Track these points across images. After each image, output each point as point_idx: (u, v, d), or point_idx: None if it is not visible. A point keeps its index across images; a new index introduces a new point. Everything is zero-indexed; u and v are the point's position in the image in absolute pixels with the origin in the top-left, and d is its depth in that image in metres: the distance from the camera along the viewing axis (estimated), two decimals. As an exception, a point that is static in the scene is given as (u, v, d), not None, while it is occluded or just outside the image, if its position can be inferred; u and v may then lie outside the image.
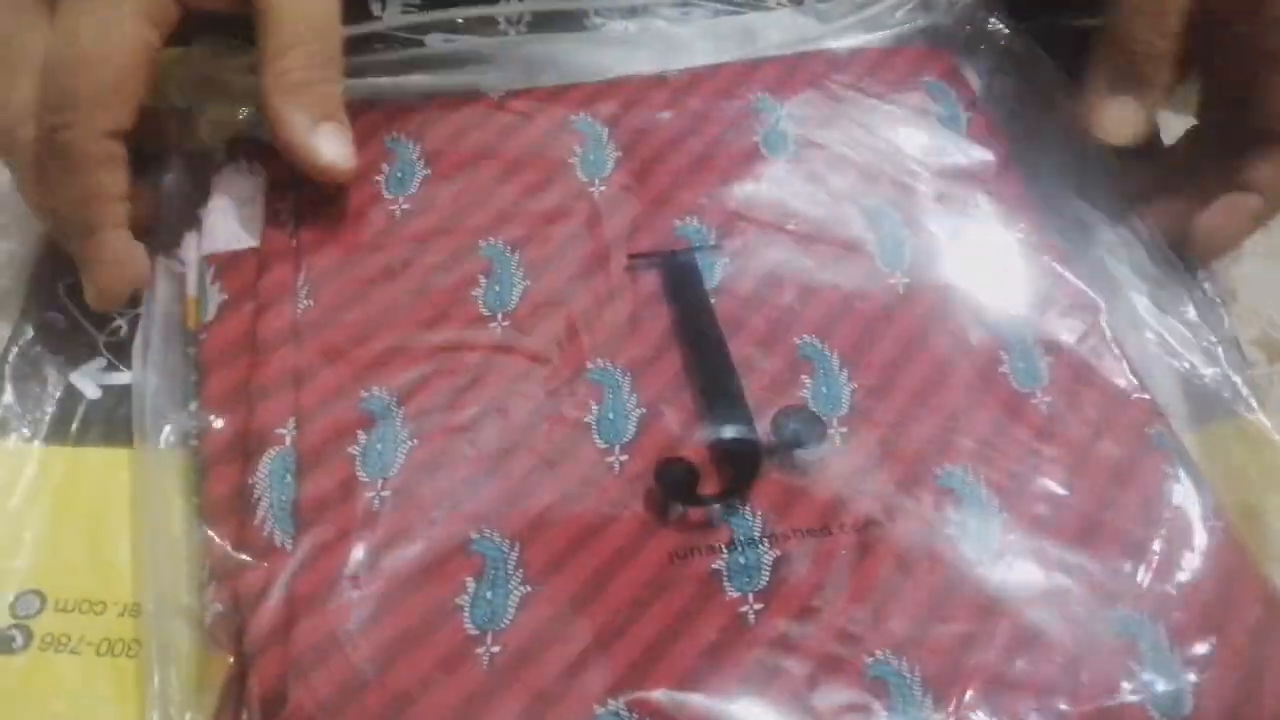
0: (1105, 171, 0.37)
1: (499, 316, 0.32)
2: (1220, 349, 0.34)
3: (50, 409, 0.32)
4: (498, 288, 0.33)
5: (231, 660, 0.26)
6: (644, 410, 0.31)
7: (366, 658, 0.26)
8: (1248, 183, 0.35)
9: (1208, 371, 0.34)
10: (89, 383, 0.33)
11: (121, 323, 0.34)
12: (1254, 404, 0.33)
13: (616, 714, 0.25)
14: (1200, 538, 0.30)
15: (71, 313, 0.34)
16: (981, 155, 0.37)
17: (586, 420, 0.30)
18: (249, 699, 0.26)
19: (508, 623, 0.27)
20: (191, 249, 0.34)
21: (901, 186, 0.36)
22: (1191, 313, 0.35)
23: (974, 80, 0.40)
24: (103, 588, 0.29)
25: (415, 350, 0.31)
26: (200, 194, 0.35)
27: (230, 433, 0.30)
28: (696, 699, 0.26)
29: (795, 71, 0.39)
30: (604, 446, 0.30)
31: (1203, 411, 0.33)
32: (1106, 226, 0.36)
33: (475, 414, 0.30)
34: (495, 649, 0.26)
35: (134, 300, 0.33)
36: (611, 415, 0.31)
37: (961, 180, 0.37)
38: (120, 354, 0.33)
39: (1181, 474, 0.31)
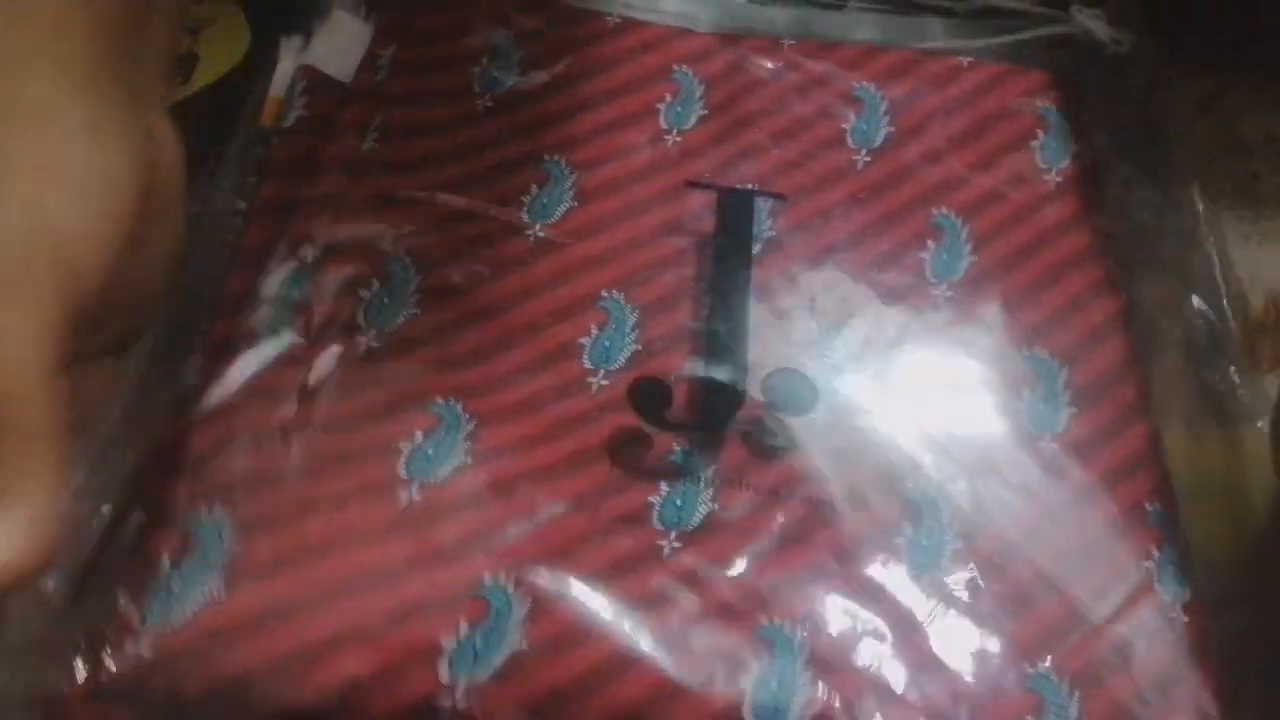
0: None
1: (537, 227, 0.33)
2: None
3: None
4: (545, 200, 0.34)
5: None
6: (640, 347, 0.31)
7: (298, 461, 0.28)
8: None
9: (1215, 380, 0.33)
10: None
11: None
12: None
13: (503, 589, 0.27)
14: (1154, 626, 0.28)
15: None
16: (1073, 193, 0.36)
17: (581, 341, 0.31)
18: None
19: (436, 479, 0.28)
20: (290, 52, 0.36)
21: (978, 204, 0.35)
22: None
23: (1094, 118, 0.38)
24: None
25: (453, 234, 0.33)
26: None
27: (264, 239, 0.32)
28: (579, 593, 0.27)
29: (911, 68, 0.38)
30: (589, 367, 0.31)
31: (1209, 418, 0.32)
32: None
33: (482, 307, 0.32)
34: (417, 497, 0.28)
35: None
36: (607, 343, 0.32)
37: (1043, 213, 0.35)
38: None
39: (1162, 557, 0.29)
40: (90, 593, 0.26)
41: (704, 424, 0.30)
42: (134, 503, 0.27)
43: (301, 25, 0.37)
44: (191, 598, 0.26)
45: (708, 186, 0.34)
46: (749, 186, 0.34)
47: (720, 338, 0.31)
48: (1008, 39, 0.39)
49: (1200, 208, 0.36)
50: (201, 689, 0.25)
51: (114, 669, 0.25)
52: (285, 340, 0.30)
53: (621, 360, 0.31)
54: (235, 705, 0.25)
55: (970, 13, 0.39)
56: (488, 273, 0.32)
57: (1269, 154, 0.40)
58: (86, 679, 0.25)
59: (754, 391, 0.30)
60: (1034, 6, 0.39)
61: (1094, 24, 0.38)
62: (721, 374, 0.30)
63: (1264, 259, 0.37)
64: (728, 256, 0.33)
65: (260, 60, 0.38)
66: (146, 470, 0.28)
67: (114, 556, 0.27)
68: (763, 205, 0.34)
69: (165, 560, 0.26)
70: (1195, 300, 0.34)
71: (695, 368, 0.31)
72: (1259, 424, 0.32)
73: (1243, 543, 0.31)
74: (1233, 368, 0.33)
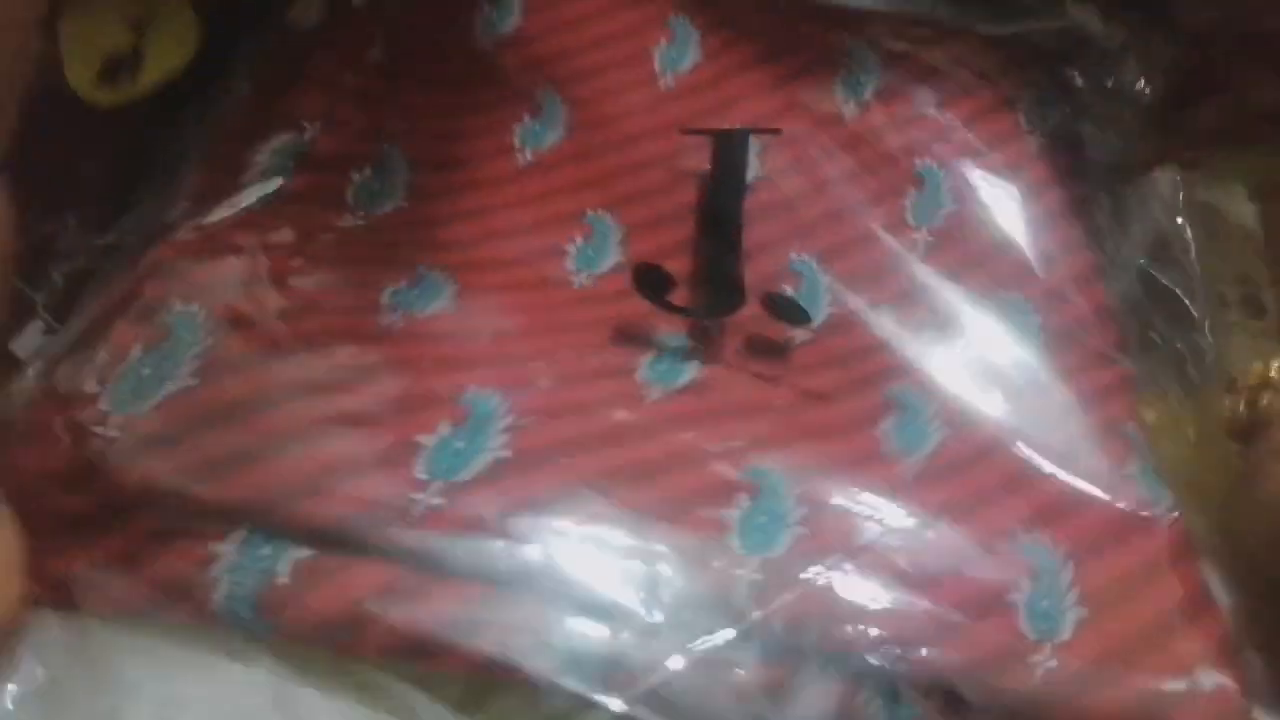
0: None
1: (527, 151, 0.34)
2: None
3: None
4: (537, 128, 0.35)
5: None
6: (624, 259, 0.32)
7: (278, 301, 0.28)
8: None
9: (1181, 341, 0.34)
10: (29, 347, 0.30)
11: (58, 277, 0.32)
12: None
13: (486, 398, 0.26)
14: (1140, 523, 0.28)
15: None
16: (1052, 156, 0.37)
17: (565, 247, 0.32)
18: None
19: (421, 313, 0.29)
20: None
21: (962, 156, 0.36)
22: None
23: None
24: None
25: (443, 138, 0.34)
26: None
27: (264, 112, 0.33)
28: (565, 415, 0.27)
29: (903, 30, 0.39)
30: (572, 269, 0.32)
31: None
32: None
33: (472, 206, 0.33)
34: (400, 323, 0.28)
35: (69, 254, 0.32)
36: (592, 253, 0.32)
37: (1023, 171, 0.36)
38: (61, 314, 0.31)
39: (1142, 470, 0.29)
40: (59, 379, 0.26)
41: (706, 311, 0.30)
42: (111, 309, 0.27)
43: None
44: (163, 384, 0.25)
45: (703, 132, 0.35)
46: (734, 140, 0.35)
47: (715, 261, 0.32)
48: (1002, 30, 0.39)
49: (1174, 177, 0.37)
50: (171, 473, 0.24)
51: (82, 451, 0.24)
52: (276, 187, 0.30)
53: (606, 266, 0.32)
54: (206, 490, 0.24)
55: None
56: (475, 183, 0.33)
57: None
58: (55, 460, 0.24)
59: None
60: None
61: (1087, 18, 0.39)
62: (719, 286, 0.31)
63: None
64: (721, 189, 0.33)
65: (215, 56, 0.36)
66: (120, 280, 0.28)
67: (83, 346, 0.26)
68: (755, 146, 0.35)
69: (137, 348, 0.26)
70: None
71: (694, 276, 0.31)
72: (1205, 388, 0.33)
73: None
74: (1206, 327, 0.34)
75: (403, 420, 0.26)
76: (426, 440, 0.25)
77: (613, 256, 0.32)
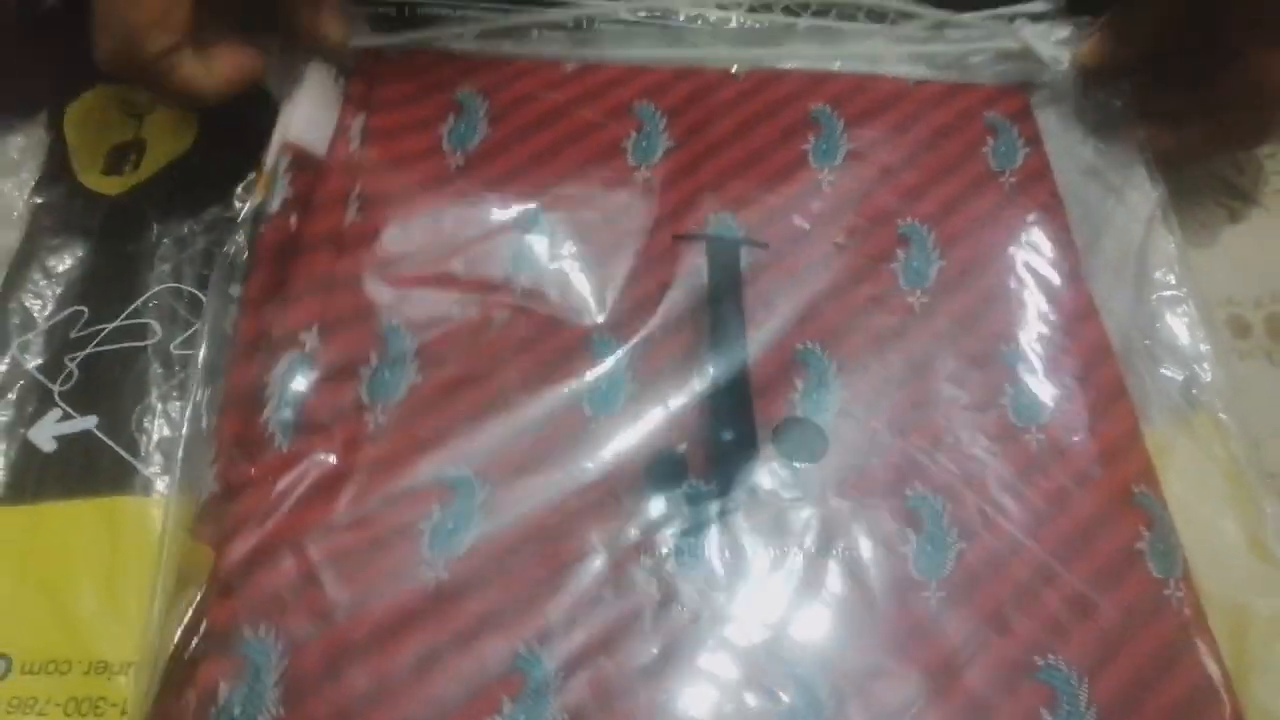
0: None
1: (522, 277, 0.34)
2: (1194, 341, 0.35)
3: (1, 469, 0.31)
4: (527, 250, 0.34)
5: (215, 559, 0.28)
6: (638, 385, 0.32)
7: (329, 561, 0.28)
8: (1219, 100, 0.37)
9: (1177, 369, 0.35)
10: (44, 437, 0.32)
11: (73, 368, 0.33)
12: (1213, 401, 0.34)
13: (537, 658, 0.27)
14: (1153, 607, 0.30)
15: (23, 364, 0.33)
16: (1028, 192, 0.38)
17: (580, 389, 0.32)
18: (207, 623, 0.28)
19: (459, 553, 0.29)
20: (279, 129, 0.36)
21: (943, 210, 0.37)
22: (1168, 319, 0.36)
23: (1048, 125, 0.40)
24: (68, 646, 0.29)
25: (440, 293, 0.33)
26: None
27: (261, 329, 0.32)
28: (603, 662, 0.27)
29: (862, 90, 0.39)
30: (590, 414, 0.32)
31: (1171, 411, 0.34)
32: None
33: (481, 366, 0.32)
34: (444, 575, 0.28)
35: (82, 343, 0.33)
36: (605, 387, 0.32)
37: (1004, 214, 0.37)
38: (76, 402, 0.32)
39: (1153, 538, 0.31)
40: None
41: (720, 484, 0.30)
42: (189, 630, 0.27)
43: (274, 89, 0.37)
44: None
45: (694, 238, 0.35)
46: (735, 235, 0.35)
47: (725, 392, 0.32)
48: (952, 50, 0.40)
49: (1154, 197, 0.37)
50: None
51: None
52: (297, 441, 0.30)
53: (620, 404, 0.32)
54: None
55: (917, 28, 0.40)
56: (480, 326, 0.33)
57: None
58: None
59: (765, 444, 0.31)
60: (980, 20, 0.40)
61: (1036, 40, 0.39)
62: (732, 432, 0.31)
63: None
64: (722, 301, 0.33)
65: (214, 141, 0.38)
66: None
67: (175, 683, 0.27)
68: (742, 230, 0.35)
69: (223, 687, 0.26)
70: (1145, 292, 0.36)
71: (709, 429, 0.31)
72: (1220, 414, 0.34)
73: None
74: (1199, 357, 0.35)
75: (469, 705, 0.27)
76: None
77: (627, 389, 0.32)
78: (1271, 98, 0.36)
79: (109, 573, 0.30)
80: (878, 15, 0.40)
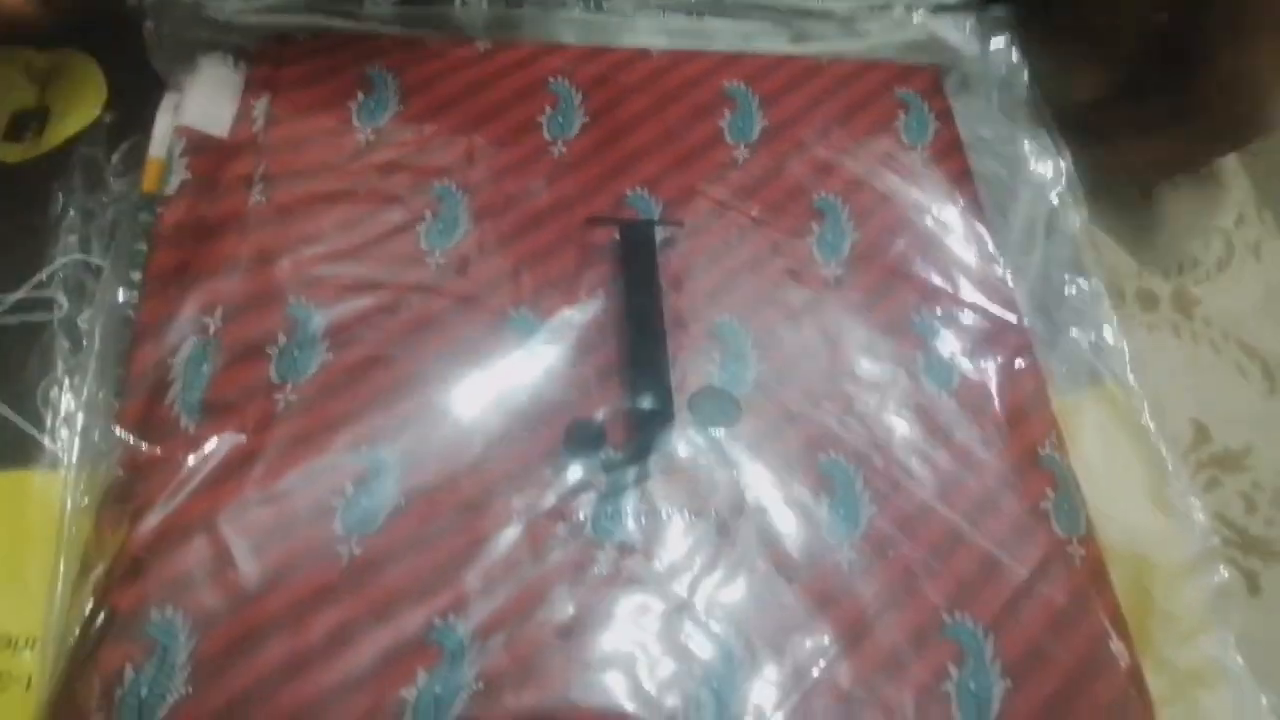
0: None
1: (436, 254, 0.34)
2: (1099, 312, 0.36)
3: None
4: (441, 226, 0.34)
5: (122, 539, 0.28)
6: (554, 359, 0.32)
7: (240, 543, 0.28)
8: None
9: (1084, 337, 0.35)
10: None
11: None
12: (1120, 368, 0.35)
13: (452, 629, 0.27)
14: (1057, 565, 0.31)
15: None
16: (939, 166, 0.38)
17: (495, 364, 0.32)
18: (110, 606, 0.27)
19: (373, 530, 0.28)
20: (166, 113, 0.35)
21: (854, 184, 0.37)
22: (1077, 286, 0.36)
23: (957, 104, 0.40)
24: (15, 622, 0.28)
25: (351, 272, 0.33)
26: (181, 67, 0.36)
27: (164, 312, 0.31)
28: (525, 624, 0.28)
29: (776, 69, 0.40)
30: (505, 389, 0.31)
31: (1079, 377, 0.35)
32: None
33: (394, 345, 0.32)
34: (357, 551, 0.28)
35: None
36: (521, 362, 0.32)
37: (915, 186, 0.38)
38: None
39: (1058, 498, 0.32)
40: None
41: (636, 452, 0.31)
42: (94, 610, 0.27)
43: (167, 76, 0.36)
44: (161, 702, 0.26)
45: (608, 222, 0.35)
46: (635, 211, 0.35)
47: (643, 363, 0.32)
48: (857, 44, 0.41)
49: (1060, 172, 0.38)
50: None
51: None
52: (204, 422, 0.29)
53: (536, 379, 0.32)
54: None
55: (819, 17, 0.41)
56: (393, 305, 0.32)
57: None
58: None
59: (681, 412, 0.31)
60: (877, 12, 0.41)
61: (940, 28, 0.40)
62: (649, 400, 0.31)
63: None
64: (638, 282, 0.34)
65: (126, 112, 0.37)
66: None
67: (79, 664, 0.26)
68: (658, 208, 0.35)
69: (129, 669, 0.26)
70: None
71: (626, 400, 0.32)
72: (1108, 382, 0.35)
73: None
74: (1105, 325, 0.36)
75: (383, 679, 0.26)
76: (408, 694, 0.26)
77: (540, 364, 0.32)
78: (1248, 95, 0.37)
79: (12, 546, 0.29)
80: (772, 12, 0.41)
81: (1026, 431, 0.33)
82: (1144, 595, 0.31)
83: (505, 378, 0.32)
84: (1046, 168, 0.39)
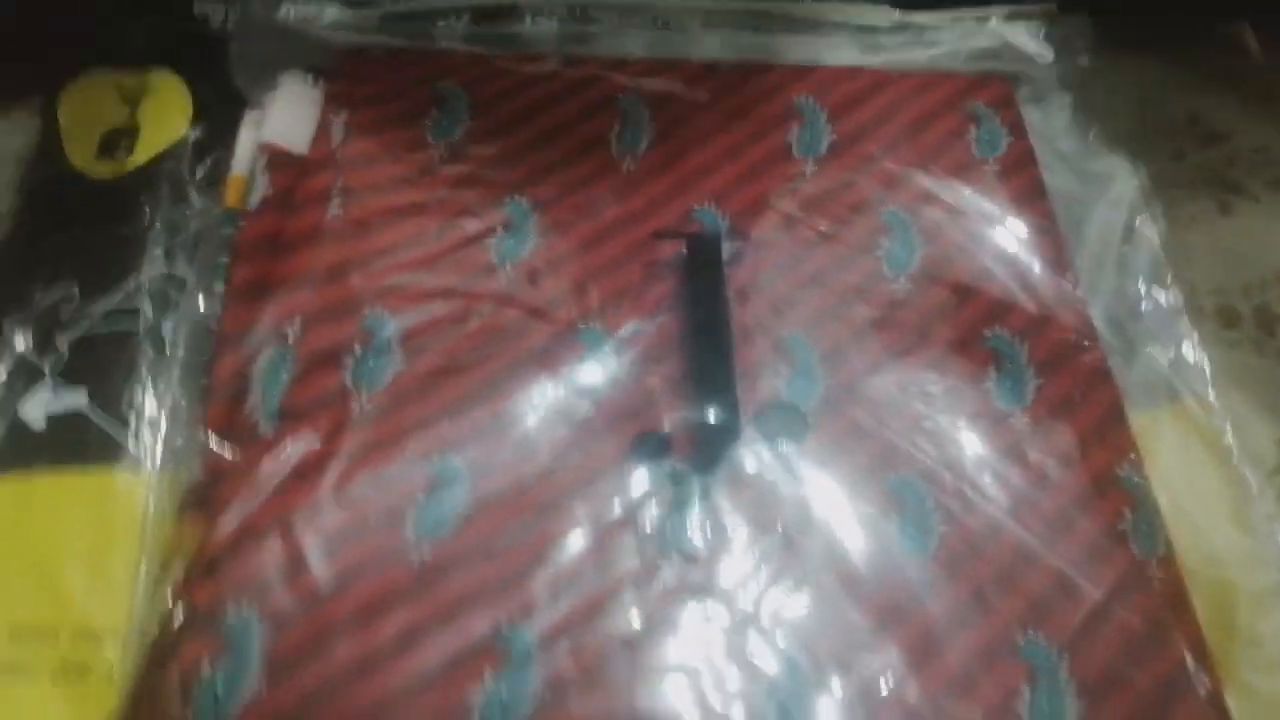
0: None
1: (507, 266, 0.34)
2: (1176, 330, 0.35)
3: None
4: (512, 240, 0.35)
5: (201, 539, 0.29)
6: (622, 372, 0.32)
7: (314, 544, 0.28)
8: None
9: (1163, 353, 0.35)
10: (36, 414, 0.32)
11: (64, 348, 0.33)
12: (1200, 385, 0.34)
13: (519, 633, 0.27)
14: (1135, 586, 0.30)
15: (14, 343, 0.33)
16: (1011, 179, 0.38)
17: (566, 374, 0.32)
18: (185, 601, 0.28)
19: (444, 535, 0.29)
20: (250, 126, 0.36)
21: (924, 198, 0.37)
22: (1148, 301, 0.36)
23: (1029, 117, 0.40)
24: (56, 613, 0.29)
25: (424, 283, 0.33)
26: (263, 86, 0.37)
27: (244, 322, 0.32)
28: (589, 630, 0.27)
29: (844, 81, 0.40)
30: (574, 400, 0.32)
31: (1157, 393, 0.34)
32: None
33: (466, 355, 0.32)
34: (428, 557, 0.28)
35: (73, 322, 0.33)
36: (590, 374, 0.32)
37: (987, 199, 0.37)
38: (67, 381, 0.33)
39: (1136, 519, 0.31)
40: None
41: (702, 464, 0.31)
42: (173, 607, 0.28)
43: (249, 94, 0.37)
44: (236, 698, 0.26)
45: (674, 235, 0.35)
46: (716, 226, 0.36)
47: (708, 376, 0.32)
48: (928, 52, 0.40)
49: (1135, 186, 0.38)
50: None
51: None
52: (281, 428, 0.30)
53: (604, 392, 0.32)
54: None
55: (892, 29, 0.41)
56: (465, 315, 0.33)
57: (1194, 135, 0.43)
58: None
59: (748, 426, 0.31)
60: (955, 19, 0.40)
61: (1013, 35, 0.40)
62: (715, 414, 0.31)
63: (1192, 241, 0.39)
64: (704, 294, 0.34)
65: (210, 129, 0.38)
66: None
67: (159, 660, 0.27)
68: (725, 223, 0.35)
69: (206, 663, 0.26)
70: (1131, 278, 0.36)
71: (692, 412, 0.32)
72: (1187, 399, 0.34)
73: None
74: (1185, 341, 0.35)
75: (450, 681, 0.27)
76: (475, 698, 0.27)
77: (612, 374, 0.32)
78: None
79: (97, 544, 0.30)
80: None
81: (1103, 450, 0.32)
82: (1227, 619, 0.30)
83: (573, 388, 0.32)
84: (1123, 181, 0.38)
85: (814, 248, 0.36)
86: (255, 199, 0.35)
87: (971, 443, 0.32)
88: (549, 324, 0.33)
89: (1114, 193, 0.38)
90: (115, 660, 0.28)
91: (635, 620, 0.28)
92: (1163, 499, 0.32)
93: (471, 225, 0.35)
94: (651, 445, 0.31)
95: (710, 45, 0.41)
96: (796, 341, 0.34)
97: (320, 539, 0.28)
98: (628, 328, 0.33)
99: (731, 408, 0.31)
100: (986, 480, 0.31)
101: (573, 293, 0.34)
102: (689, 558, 0.29)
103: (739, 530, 0.30)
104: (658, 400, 0.32)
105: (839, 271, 0.35)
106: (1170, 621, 0.29)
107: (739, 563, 0.29)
